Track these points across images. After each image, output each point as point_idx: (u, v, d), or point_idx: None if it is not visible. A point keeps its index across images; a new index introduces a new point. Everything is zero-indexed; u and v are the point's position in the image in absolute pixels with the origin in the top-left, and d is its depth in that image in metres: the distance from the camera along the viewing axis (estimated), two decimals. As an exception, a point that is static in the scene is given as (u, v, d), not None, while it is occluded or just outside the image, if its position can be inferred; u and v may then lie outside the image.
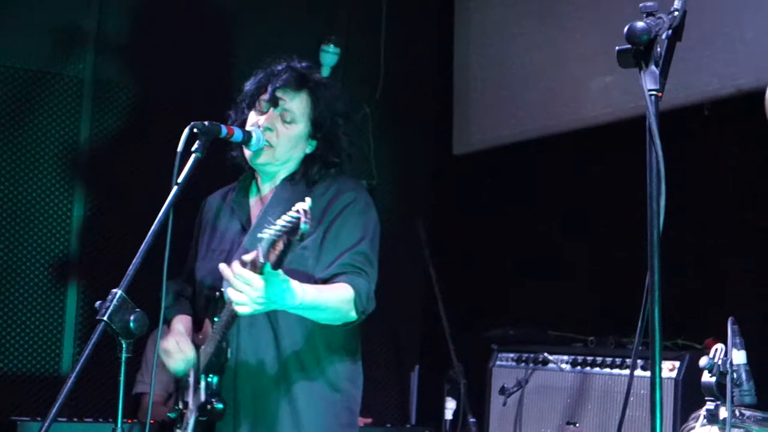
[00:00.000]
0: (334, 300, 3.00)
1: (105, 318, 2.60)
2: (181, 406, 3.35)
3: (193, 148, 2.95)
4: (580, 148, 4.84)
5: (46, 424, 2.50)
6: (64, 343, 4.84)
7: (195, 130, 2.98)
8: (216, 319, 3.12)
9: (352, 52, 5.51)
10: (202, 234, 3.44)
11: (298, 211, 2.58)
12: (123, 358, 2.64)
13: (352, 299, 3.03)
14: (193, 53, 5.10)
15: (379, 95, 5.63)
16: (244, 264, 2.73)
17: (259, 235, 2.69)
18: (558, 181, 4.96)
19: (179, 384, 3.39)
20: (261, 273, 2.70)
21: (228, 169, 3.36)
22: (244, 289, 2.72)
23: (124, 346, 2.64)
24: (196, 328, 3.39)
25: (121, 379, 2.64)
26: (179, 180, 2.88)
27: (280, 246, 2.62)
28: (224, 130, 3.08)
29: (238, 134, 3.13)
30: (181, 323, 3.38)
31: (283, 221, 2.61)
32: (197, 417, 3.19)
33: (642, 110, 2.02)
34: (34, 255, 4.81)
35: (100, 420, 3.95)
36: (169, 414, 3.38)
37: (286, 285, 2.80)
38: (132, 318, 2.63)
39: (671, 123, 3.84)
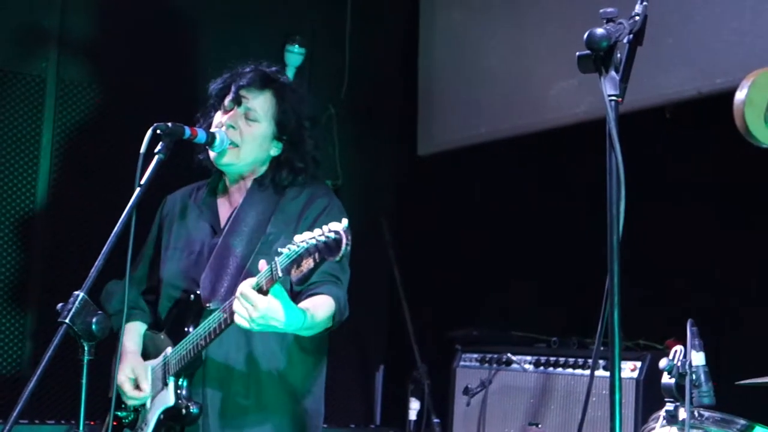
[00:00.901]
0: (324, 317, 3.00)
1: (67, 320, 2.59)
2: (131, 406, 3.32)
3: (156, 150, 2.94)
4: (542, 149, 4.87)
5: (7, 427, 2.49)
6: (25, 345, 4.81)
7: (158, 131, 2.97)
8: (193, 326, 3.11)
9: (317, 53, 5.50)
10: (164, 233, 3.41)
11: (337, 232, 2.57)
12: (85, 361, 2.63)
13: (334, 312, 3.04)
14: (156, 53, 5.07)
15: (344, 95, 5.62)
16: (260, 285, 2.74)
17: (280, 249, 2.69)
18: (521, 182, 4.98)
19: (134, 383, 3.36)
20: (266, 294, 2.72)
21: (194, 171, 3.35)
22: (248, 308, 2.73)
23: (86, 348, 2.63)
24: (155, 327, 3.37)
25: (83, 381, 2.63)
26: (142, 181, 2.88)
27: (309, 263, 2.61)
28: (187, 131, 3.06)
29: (201, 136, 3.11)
30: (131, 335, 3.35)
31: (314, 239, 2.60)
32: (161, 419, 3.19)
33: (604, 112, 2.03)
34: (-6, 255, 4.78)
35: (63, 422, 3.93)
36: (118, 413, 3.33)
37: (288, 311, 2.80)
38: (94, 320, 2.62)
39: (633, 125, 3.90)
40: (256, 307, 2.73)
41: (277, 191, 3.26)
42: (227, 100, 3.22)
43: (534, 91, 4.79)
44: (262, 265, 2.74)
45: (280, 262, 2.67)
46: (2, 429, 2.52)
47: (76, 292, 2.61)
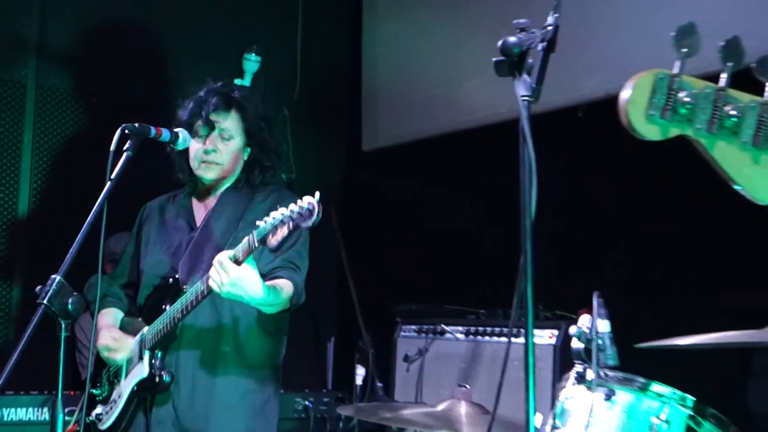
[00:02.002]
0: (283, 298, 3.04)
1: (45, 301, 2.58)
2: (111, 382, 3.32)
3: (124, 147, 2.94)
4: (471, 144, 4.90)
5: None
6: (10, 327, 4.77)
7: (126, 131, 2.97)
8: (170, 305, 3.12)
9: (272, 60, 5.49)
10: (143, 233, 3.42)
11: (311, 203, 2.63)
12: (62, 337, 2.62)
13: (292, 295, 3.08)
14: (126, 61, 5.03)
15: (296, 98, 5.61)
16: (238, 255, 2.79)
17: (258, 222, 2.74)
18: (454, 173, 5.01)
19: (108, 365, 3.34)
20: (239, 264, 2.78)
21: (162, 169, 3.36)
22: (221, 274, 2.78)
23: (63, 326, 2.61)
24: (131, 313, 3.36)
25: (61, 355, 2.62)
26: (112, 176, 2.87)
27: (284, 232, 2.66)
28: (153, 130, 3.07)
29: (165, 134, 3.12)
30: (106, 317, 3.35)
31: (289, 210, 2.65)
32: (134, 390, 3.18)
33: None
34: (-20, 246, 4.74)
35: (45, 392, 3.91)
36: (93, 390, 3.34)
37: (258, 281, 2.86)
38: (70, 301, 2.61)
39: (549, 123, 3.94)
40: (229, 275, 2.78)
41: (248, 193, 3.31)
42: (199, 127, 3.24)
43: (464, 92, 4.82)
44: (244, 239, 2.79)
45: (256, 233, 2.73)
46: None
47: (53, 276, 2.60)
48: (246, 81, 5.26)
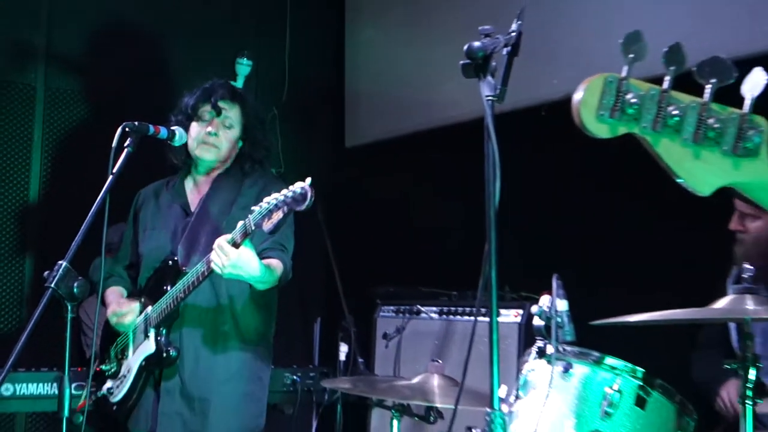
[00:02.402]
0: (276, 274, 3.08)
1: (52, 285, 2.57)
2: (118, 359, 3.31)
3: (125, 144, 2.93)
4: (444, 140, 4.90)
5: (5, 370, 2.48)
6: (23, 308, 4.75)
7: (127, 129, 2.97)
8: (171, 285, 3.12)
9: (262, 64, 5.47)
10: (140, 218, 3.42)
11: (303, 188, 2.62)
12: (68, 318, 2.63)
13: (282, 271, 3.11)
14: (129, 65, 5.01)
15: (284, 99, 5.60)
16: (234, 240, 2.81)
17: (253, 208, 2.75)
18: (428, 166, 5.01)
19: (116, 342, 3.35)
20: (237, 247, 2.79)
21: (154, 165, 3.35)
22: (221, 257, 2.80)
23: (69, 308, 2.62)
24: (135, 294, 3.36)
25: (67, 334, 2.62)
26: (114, 170, 2.87)
27: (279, 215, 2.66)
28: (151, 128, 3.08)
29: (163, 132, 3.13)
30: (114, 294, 3.36)
31: (283, 195, 2.65)
32: (143, 365, 3.18)
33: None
34: (-4, 235, 4.72)
35: (54, 369, 3.90)
36: (102, 366, 3.34)
37: (256, 260, 2.89)
38: (75, 284, 2.60)
39: (515, 121, 3.94)
40: (229, 257, 2.80)
41: (238, 179, 3.32)
42: (205, 112, 3.25)
43: (437, 93, 4.82)
44: (239, 223, 2.79)
45: (252, 217, 2.73)
46: (3, 373, 2.51)
47: (60, 262, 2.60)
48: (239, 83, 5.24)
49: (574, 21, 4.22)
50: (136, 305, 3.22)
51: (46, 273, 2.60)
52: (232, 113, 3.29)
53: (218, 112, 3.25)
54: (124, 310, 3.22)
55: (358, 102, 5.61)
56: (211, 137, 3.24)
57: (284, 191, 2.68)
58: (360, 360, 4.56)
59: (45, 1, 4.88)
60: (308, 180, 2.66)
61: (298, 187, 2.66)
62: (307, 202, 2.63)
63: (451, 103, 4.66)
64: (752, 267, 2.28)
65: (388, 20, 5.39)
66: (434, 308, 4.25)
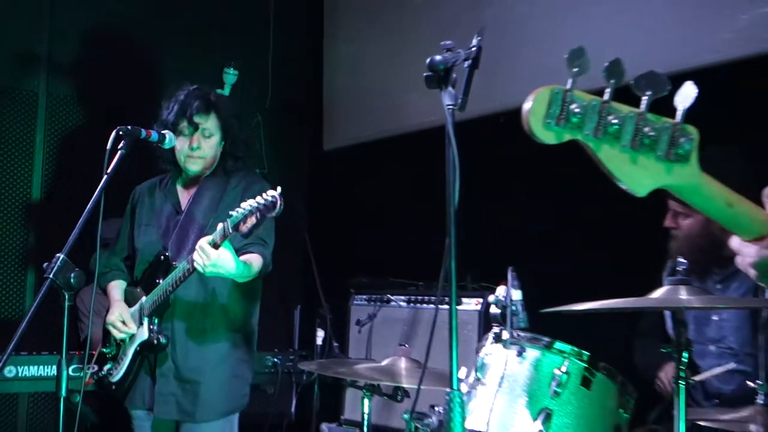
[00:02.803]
0: (255, 269, 3.07)
1: (51, 276, 2.55)
2: (117, 342, 3.31)
3: (119, 146, 2.91)
4: (412, 143, 4.90)
5: (7, 353, 2.45)
6: (26, 297, 4.70)
7: (120, 132, 2.94)
8: (163, 279, 3.11)
9: (248, 74, 5.44)
10: (138, 215, 3.40)
11: (274, 196, 2.61)
12: (66, 306, 2.60)
13: (261, 266, 3.10)
14: (126, 74, 4.96)
15: (268, 105, 5.58)
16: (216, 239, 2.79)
17: (230, 212, 2.73)
18: (398, 167, 5.01)
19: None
20: (218, 248, 2.77)
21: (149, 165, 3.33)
22: (203, 257, 2.78)
23: (66, 296, 2.59)
24: (132, 284, 3.35)
25: (65, 321, 2.60)
26: (108, 171, 2.84)
27: (252, 221, 2.65)
28: (143, 132, 3.05)
29: (154, 135, 3.10)
30: (116, 290, 3.33)
31: (256, 202, 2.63)
32: (137, 350, 3.17)
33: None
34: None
35: (54, 353, 3.87)
36: (103, 349, 3.33)
37: (233, 260, 2.86)
38: (72, 275, 2.58)
39: (476, 128, 3.95)
40: (209, 257, 2.78)
41: (224, 179, 3.29)
42: (184, 127, 3.21)
43: (406, 101, 4.83)
44: (219, 225, 2.78)
45: (230, 221, 2.71)
46: (5, 356, 2.48)
47: (58, 254, 2.57)
48: (226, 91, 5.22)
49: (530, 38, 4.24)
50: (132, 328, 3.19)
51: (45, 265, 2.57)
52: (209, 123, 3.24)
53: (195, 127, 3.22)
54: (121, 328, 3.20)
55: (335, 109, 5.60)
56: (194, 151, 3.22)
57: (258, 198, 2.67)
58: (335, 344, 4.56)
59: (47, 13, 4.83)
60: (279, 189, 2.64)
61: (269, 195, 2.65)
62: (277, 209, 2.63)
63: (419, 110, 4.67)
64: (685, 261, 2.30)
65: (363, 35, 5.38)
66: (403, 297, 4.26)
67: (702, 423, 2.45)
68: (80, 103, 4.93)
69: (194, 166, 3.24)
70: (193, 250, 2.97)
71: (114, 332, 3.22)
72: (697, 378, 2.84)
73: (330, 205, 5.50)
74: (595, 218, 3.83)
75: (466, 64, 2.10)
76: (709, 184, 1.26)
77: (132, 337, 3.20)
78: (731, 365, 2.79)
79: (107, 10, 4.98)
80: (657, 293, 2.28)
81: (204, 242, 2.80)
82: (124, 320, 3.19)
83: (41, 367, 3.85)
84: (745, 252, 1.24)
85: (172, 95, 3.28)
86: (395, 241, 4.92)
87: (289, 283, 5.51)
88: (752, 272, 1.24)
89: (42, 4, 4.81)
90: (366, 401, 2.92)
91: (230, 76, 5.29)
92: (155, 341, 3.13)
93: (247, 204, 2.69)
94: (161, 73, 5.14)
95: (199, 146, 3.22)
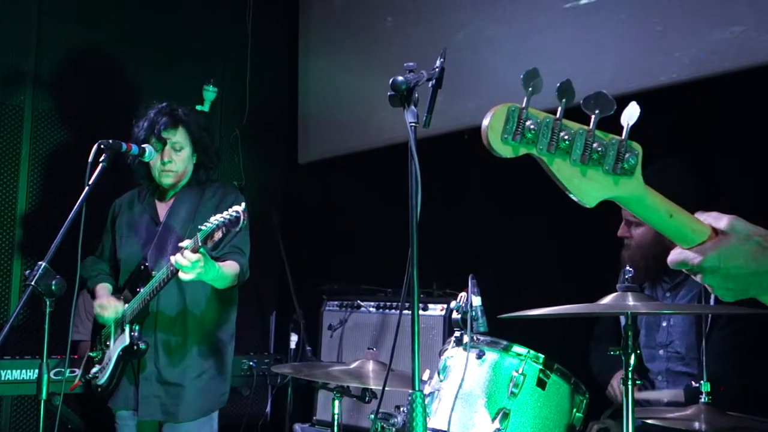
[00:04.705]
0: (230, 274, 3.08)
1: (33, 282, 2.52)
2: (102, 348, 3.30)
3: (100, 159, 2.88)
4: (384, 157, 4.89)
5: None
6: (10, 301, 4.62)
7: (102, 146, 2.93)
8: (143, 287, 3.09)
9: (226, 91, 5.42)
10: (118, 227, 3.39)
11: (237, 212, 2.61)
12: (47, 312, 2.57)
13: (238, 273, 3.10)
14: (108, 90, 4.92)
15: (245, 121, 5.55)
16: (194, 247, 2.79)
17: (199, 227, 2.72)
18: (368, 180, 5.01)
19: (101, 332, 3.33)
20: (198, 253, 2.78)
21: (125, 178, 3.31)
22: (181, 260, 2.77)
23: (47, 303, 2.56)
24: (116, 291, 3.33)
25: (46, 327, 2.56)
26: (90, 182, 2.82)
27: (219, 235, 2.66)
28: (124, 146, 3.03)
29: (134, 149, 3.10)
30: (104, 289, 3.33)
31: (222, 217, 2.63)
32: (120, 354, 3.16)
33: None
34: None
35: (37, 357, 3.80)
36: (91, 353, 3.32)
37: (211, 265, 2.87)
38: (53, 282, 2.55)
39: (441, 144, 3.97)
40: (191, 259, 2.78)
41: (199, 190, 3.28)
42: (154, 143, 3.21)
43: (376, 118, 4.84)
44: (188, 242, 2.77)
45: (200, 234, 2.71)
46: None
47: (40, 262, 2.54)
48: (205, 107, 5.19)
49: (492, 58, 4.26)
50: (117, 304, 3.20)
51: (27, 272, 2.54)
52: (177, 137, 3.24)
53: (164, 143, 3.21)
54: (105, 304, 3.20)
55: (309, 124, 5.59)
56: (166, 165, 3.22)
57: (224, 214, 2.68)
58: (308, 348, 4.55)
59: (34, 31, 4.77)
60: (243, 204, 2.65)
61: (233, 211, 2.66)
62: (240, 224, 2.64)
63: (388, 127, 4.69)
64: (632, 269, 2.33)
65: (336, 55, 5.39)
66: (372, 303, 4.26)
67: (650, 421, 2.47)
68: (64, 118, 4.88)
69: (167, 180, 3.25)
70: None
71: (100, 312, 3.20)
72: (647, 397, 2.88)
73: (304, 216, 5.49)
74: (554, 229, 3.86)
75: (430, 84, 2.11)
76: (651, 195, 1.27)
77: (116, 342, 3.19)
78: (679, 394, 2.82)
79: (91, 30, 4.93)
80: (606, 299, 2.30)
81: (184, 246, 2.81)
82: (108, 299, 3.20)
83: (24, 371, 3.78)
84: (688, 257, 1.25)
85: (142, 114, 3.27)
86: (366, 249, 4.92)
87: (265, 291, 5.48)
88: (698, 277, 1.26)
89: (29, 24, 4.76)
90: (337, 402, 2.91)
91: (209, 93, 5.26)
92: (135, 346, 3.14)
93: (214, 219, 2.70)
94: (143, 90, 5.10)
95: (170, 160, 3.21)
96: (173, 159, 3.22)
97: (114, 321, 3.21)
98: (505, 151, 1.24)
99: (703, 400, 2.46)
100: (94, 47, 4.96)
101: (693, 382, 2.57)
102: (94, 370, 3.30)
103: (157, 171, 3.24)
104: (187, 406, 3.17)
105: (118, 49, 5.05)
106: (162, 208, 3.34)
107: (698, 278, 1.25)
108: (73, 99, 4.89)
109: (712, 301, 2.68)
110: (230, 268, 3.10)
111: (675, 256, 1.26)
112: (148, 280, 3.11)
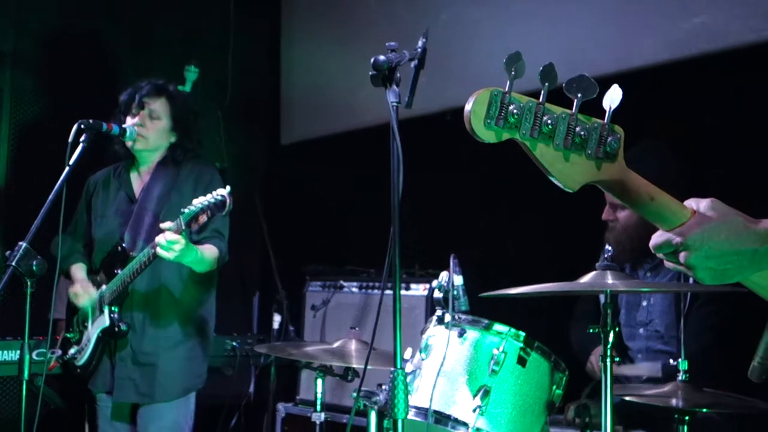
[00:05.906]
0: (209, 258, 3.07)
1: (13, 263, 2.50)
2: (80, 329, 3.28)
3: (81, 139, 2.85)
4: (367, 137, 4.88)
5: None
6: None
7: (82, 126, 2.90)
8: (121, 268, 3.07)
9: (208, 71, 5.34)
10: (94, 206, 3.35)
11: (223, 195, 2.59)
12: (28, 293, 2.56)
13: (217, 256, 3.09)
14: (87, 71, 4.85)
15: (227, 102, 5.50)
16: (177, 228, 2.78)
17: (182, 209, 2.70)
18: (351, 160, 4.99)
19: (79, 313, 3.30)
20: (179, 234, 2.77)
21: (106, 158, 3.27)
22: (173, 246, 2.77)
23: (29, 283, 2.55)
24: (91, 271, 3.30)
25: (27, 307, 2.55)
26: (70, 162, 2.80)
27: (203, 218, 2.64)
28: (104, 126, 3.00)
29: (115, 129, 3.06)
30: (79, 271, 3.30)
31: (206, 200, 2.61)
32: (100, 336, 3.14)
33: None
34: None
35: (18, 338, 3.77)
36: (67, 334, 3.29)
37: (190, 248, 2.87)
38: (34, 263, 2.54)
39: (424, 125, 3.96)
40: (174, 240, 2.78)
41: (175, 168, 3.25)
42: (134, 107, 3.17)
43: (359, 99, 4.81)
44: (169, 223, 2.75)
45: (183, 218, 2.70)
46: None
47: (20, 243, 2.52)
48: (187, 88, 5.13)
49: (475, 40, 4.26)
50: (92, 291, 3.18)
51: (7, 253, 2.52)
52: (156, 105, 3.21)
53: (141, 106, 3.18)
54: (80, 292, 3.18)
55: (291, 105, 5.56)
56: (137, 128, 3.18)
57: (209, 196, 2.66)
58: (291, 328, 4.55)
59: (13, 12, 4.69)
60: (228, 188, 2.64)
61: (218, 194, 2.65)
62: (226, 208, 2.64)
63: (370, 107, 4.66)
64: (613, 249, 2.34)
65: (319, 34, 5.36)
66: (355, 283, 4.26)
67: (628, 398, 2.50)
68: (44, 98, 4.81)
69: (136, 144, 3.20)
70: (148, 239, 2.94)
71: (76, 300, 3.18)
72: (625, 372, 2.91)
73: (287, 197, 5.47)
74: (537, 211, 3.87)
75: (413, 64, 2.10)
76: (633, 179, 1.28)
77: (94, 323, 3.16)
78: (657, 368, 2.85)
79: (71, 10, 4.85)
80: (585, 278, 2.32)
81: (166, 227, 2.79)
82: (84, 286, 3.17)
83: (6, 351, 3.75)
84: (670, 237, 1.26)
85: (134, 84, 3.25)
86: (348, 230, 4.92)
87: (248, 271, 5.46)
88: (681, 256, 1.26)
89: (7, 3, 4.67)
90: (320, 381, 2.92)
91: (191, 73, 5.19)
92: (116, 328, 3.12)
93: (199, 201, 2.68)
94: (123, 70, 5.03)
95: (142, 124, 3.18)
96: (145, 124, 3.19)
97: (91, 303, 3.18)
98: (488, 136, 1.23)
99: (680, 378, 2.49)
100: (74, 27, 4.88)
101: (672, 360, 2.60)
102: (72, 351, 3.27)
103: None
104: (163, 386, 3.15)
105: (99, 29, 4.98)
106: (138, 185, 3.29)
107: (681, 257, 1.26)
108: (53, 79, 4.82)
109: (691, 281, 2.70)
110: (209, 251, 3.09)
111: (657, 239, 1.27)
112: (126, 261, 3.08)
